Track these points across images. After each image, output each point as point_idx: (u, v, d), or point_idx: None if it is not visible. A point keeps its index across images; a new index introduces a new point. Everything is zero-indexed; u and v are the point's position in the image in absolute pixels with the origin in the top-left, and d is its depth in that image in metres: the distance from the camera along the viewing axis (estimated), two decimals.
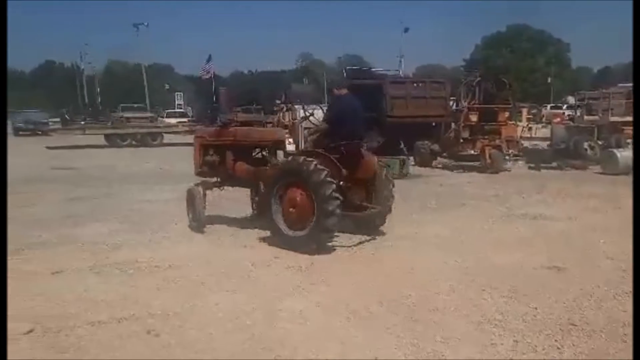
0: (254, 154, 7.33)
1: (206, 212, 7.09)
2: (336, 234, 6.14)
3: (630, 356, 3.37)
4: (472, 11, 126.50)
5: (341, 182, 6.18)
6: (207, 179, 7.38)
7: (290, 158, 6.37)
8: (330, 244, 6.19)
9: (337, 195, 5.79)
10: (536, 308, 4.34)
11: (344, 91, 6.88)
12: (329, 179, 5.77)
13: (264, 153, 7.31)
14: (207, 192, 7.21)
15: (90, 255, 5.86)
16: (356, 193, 6.55)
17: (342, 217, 5.94)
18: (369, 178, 6.57)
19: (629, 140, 15.46)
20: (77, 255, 5.87)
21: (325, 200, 5.73)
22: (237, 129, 7.40)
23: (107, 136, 25.48)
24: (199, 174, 7.49)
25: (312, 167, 5.79)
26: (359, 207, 6.49)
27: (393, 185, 6.79)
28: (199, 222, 6.99)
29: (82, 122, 32.08)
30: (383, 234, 6.78)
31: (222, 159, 7.25)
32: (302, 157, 6.04)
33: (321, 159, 6.02)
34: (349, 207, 6.28)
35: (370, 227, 6.71)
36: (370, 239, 6.52)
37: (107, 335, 3.85)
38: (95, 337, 3.83)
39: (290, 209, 6.07)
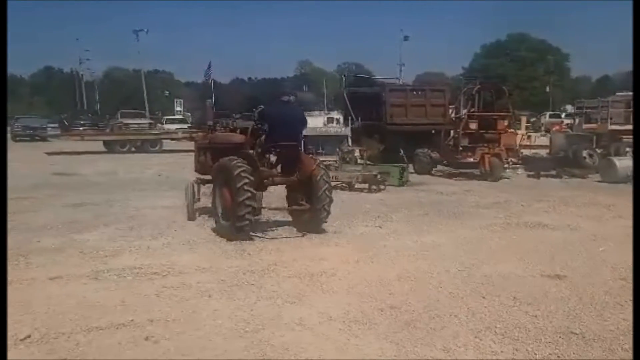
0: (222, 155, 7.53)
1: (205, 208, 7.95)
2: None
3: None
4: (472, 19, 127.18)
5: (265, 180, 7.22)
6: (202, 176, 8.33)
7: (224, 158, 6.97)
8: (330, 252, 6.24)
9: (248, 188, 6.52)
10: (536, 316, 4.33)
11: (281, 99, 7.67)
12: (243, 174, 6.52)
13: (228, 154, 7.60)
14: (202, 187, 8.26)
15: (89, 261, 5.84)
16: (295, 192, 7.47)
17: (254, 209, 6.69)
18: (305, 179, 7.19)
19: (628, 149, 15.51)
20: (77, 261, 5.85)
21: (238, 192, 6.50)
22: (213, 134, 8.52)
23: (106, 142, 25.45)
24: (196, 171, 8.68)
25: (232, 164, 6.65)
26: (297, 204, 7.42)
27: (330, 187, 7.27)
28: (189, 213, 8.08)
29: (81, 128, 32.06)
30: (325, 232, 7.24)
31: (206, 159, 8.25)
32: (230, 157, 6.83)
33: (246, 159, 6.83)
34: (292, 204, 7.54)
35: (311, 225, 7.27)
36: (370, 248, 6.53)
37: (106, 342, 3.83)
38: (93, 343, 3.81)
39: (222, 201, 6.99)
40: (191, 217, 8.03)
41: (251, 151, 7.27)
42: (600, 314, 4.40)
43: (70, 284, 5.09)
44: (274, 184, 7.52)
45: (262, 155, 7.36)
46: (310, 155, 8.78)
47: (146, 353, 3.67)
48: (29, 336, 3.87)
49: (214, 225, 7.30)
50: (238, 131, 8.06)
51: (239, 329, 4.05)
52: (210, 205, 7.91)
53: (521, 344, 3.82)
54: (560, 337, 3.94)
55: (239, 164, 6.62)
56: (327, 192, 7.10)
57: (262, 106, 7.67)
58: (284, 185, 7.68)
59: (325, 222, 7.36)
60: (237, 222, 6.58)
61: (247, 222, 6.62)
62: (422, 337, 3.92)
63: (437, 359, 3.62)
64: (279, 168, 7.53)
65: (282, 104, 7.62)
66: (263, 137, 7.33)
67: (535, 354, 3.68)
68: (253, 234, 6.93)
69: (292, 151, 7.32)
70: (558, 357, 3.65)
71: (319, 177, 7.07)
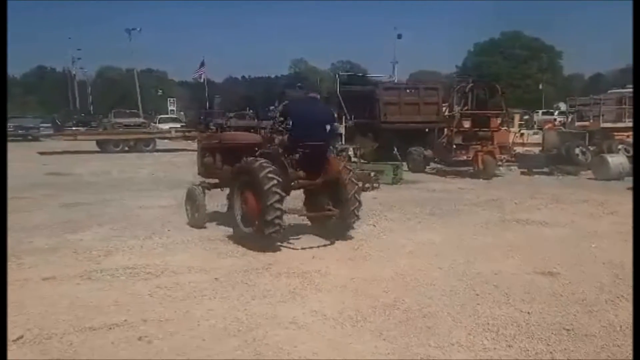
0: (236, 156, 7.21)
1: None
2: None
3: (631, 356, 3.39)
4: (466, 18, 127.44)
5: (292, 182, 6.63)
6: (207, 179, 7.83)
7: (247, 159, 6.51)
8: (324, 251, 6.25)
9: (277, 190, 6.01)
10: (529, 313, 4.35)
11: (306, 95, 7.23)
12: (270, 175, 6.02)
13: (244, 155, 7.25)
14: (207, 191, 7.64)
15: (83, 261, 5.81)
16: (319, 195, 6.91)
17: (283, 213, 6.17)
18: (331, 181, 6.67)
19: (620, 146, 15.60)
20: (70, 261, 5.82)
21: (266, 194, 5.98)
22: (223, 133, 7.92)
23: (99, 142, 25.32)
24: (200, 173, 8.12)
25: (257, 165, 6.14)
26: (321, 208, 6.84)
27: (359, 189, 6.83)
28: (200, 219, 7.45)
29: (74, 128, 31.86)
30: (351, 237, 6.83)
31: (214, 161, 7.72)
32: (253, 158, 6.38)
33: (270, 159, 6.35)
34: (312, 209, 6.97)
35: (337, 230, 6.81)
36: (364, 246, 6.53)
37: (99, 342, 3.81)
38: (86, 343, 3.79)
39: (244, 206, 6.43)
40: (200, 225, 7.42)
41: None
42: (593, 310, 4.42)
43: (63, 284, 5.07)
44: (300, 187, 6.89)
45: (286, 156, 6.70)
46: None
47: (140, 353, 3.66)
48: (22, 337, 3.85)
49: (216, 230, 7.20)
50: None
51: (233, 329, 4.04)
52: (210, 210, 7.74)
53: (514, 340, 3.84)
54: (553, 333, 3.96)
55: (265, 165, 6.12)
56: (356, 196, 6.64)
57: (286, 102, 7.23)
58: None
59: (353, 228, 6.94)
60: (266, 229, 6.02)
61: (277, 227, 6.06)
62: (415, 335, 3.93)
63: (431, 356, 3.63)
64: (302, 169, 6.81)
65: (308, 101, 7.08)
66: (286, 136, 6.74)
67: (528, 350, 3.70)
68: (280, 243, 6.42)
69: (319, 151, 6.73)
70: (551, 353, 3.67)
71: (347, 180, 6.57)
